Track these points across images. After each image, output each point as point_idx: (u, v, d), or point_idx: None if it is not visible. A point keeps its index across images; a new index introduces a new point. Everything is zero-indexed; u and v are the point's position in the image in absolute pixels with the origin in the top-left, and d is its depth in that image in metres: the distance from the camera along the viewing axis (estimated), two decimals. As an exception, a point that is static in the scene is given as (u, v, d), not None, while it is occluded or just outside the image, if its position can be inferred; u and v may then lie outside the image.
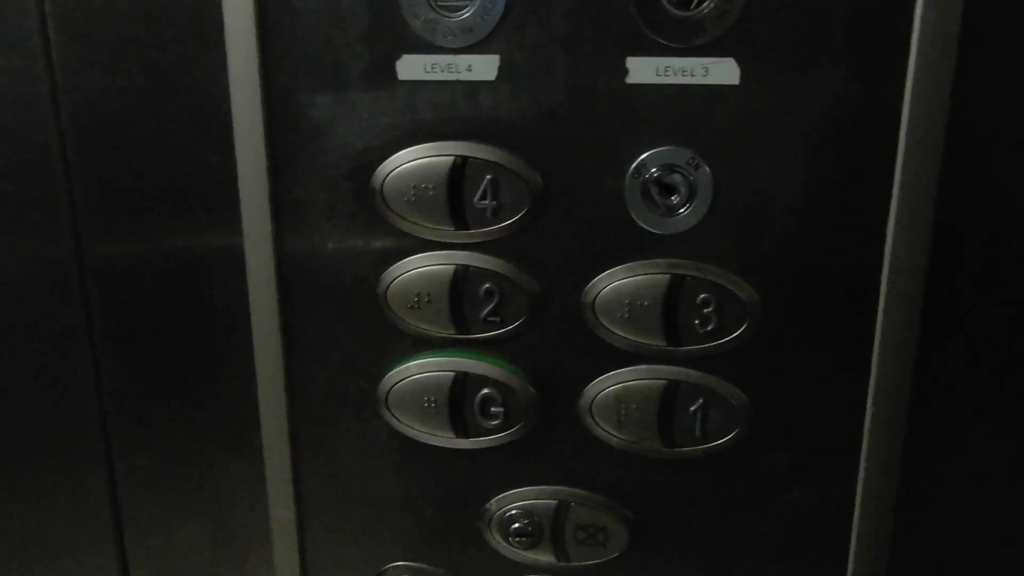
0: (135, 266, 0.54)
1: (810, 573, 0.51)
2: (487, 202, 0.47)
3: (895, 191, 0.44)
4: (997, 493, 0.50)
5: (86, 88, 0.50)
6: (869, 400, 0.47)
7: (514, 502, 0.53)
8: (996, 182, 0.45)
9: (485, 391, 0.50)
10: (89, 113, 0.51)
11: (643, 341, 0.48)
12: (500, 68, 0.46)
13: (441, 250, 0.49)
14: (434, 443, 0.52)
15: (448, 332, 0.50)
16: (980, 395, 0.48)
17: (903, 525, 0.50)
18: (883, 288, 0.46)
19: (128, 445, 0.58)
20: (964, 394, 0.48)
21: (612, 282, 0.48)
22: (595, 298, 0.48)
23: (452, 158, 0.47)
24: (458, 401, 0.51)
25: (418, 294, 0.50)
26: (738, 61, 0.44)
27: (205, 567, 0.60)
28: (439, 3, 0.45)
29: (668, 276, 0.47)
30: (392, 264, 0.50)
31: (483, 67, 0.46)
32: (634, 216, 0.47)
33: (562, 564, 0.53)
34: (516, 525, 0.53)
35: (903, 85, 0.43)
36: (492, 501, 0.53)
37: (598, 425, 0.50)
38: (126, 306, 0.55)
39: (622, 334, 0.48)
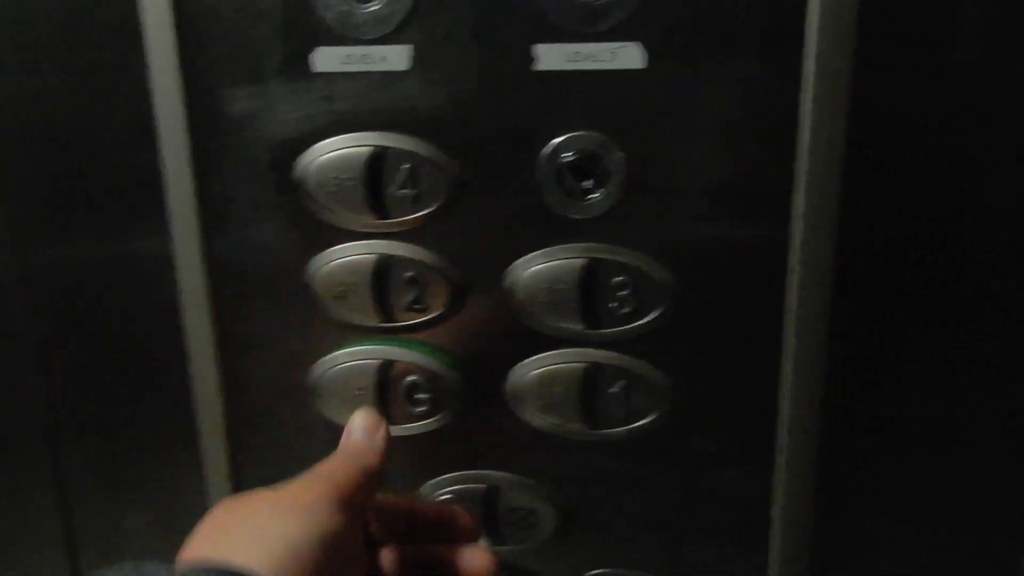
0: (71, 264, 0.55)
1: (735, 551, 0.52)
2: (406, 191, 0.48)
3: (800, 172, 0.45)
4: (916, 470, 0.50)
5: (8, 87, 0.51)
6: (784, 378, 0.48)
7: (445, 487, 0.53)
8: (899, 162, 0.46)
9: (411, 378, 0.51)
10: (12, 114, 0.52)
11: (563, 325, 0.49)
12: (413, 58, 0.46)
13: (364, 240, 0.50)
14: (364, 430, 0.53)
15: (373, 321, 0.51)
16: (895, 372, 0.49)
17: (825, 502, 0.50)
18: (793, 267, 0.46)
19: (73, 439, 0.59)
20: (879, 371, 0.49)
21: (530, 267, 0.48)
22: (515, 284, 0.49)
23: (370, 148, 0.48)
24: (385, 388, 0.51)
25: (343, 284, 0.50)
26: (643, 45, 0.44)
27: (152, 554, 0.61)
28: (349, -5, 0.46)
29: (584, 260, 0.48)
30: (317, 254, 0.51)
31: (396, 57, 0.47)
32: (549, 201, 0.47)
33: (496, 546, 0.54)
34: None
35: (801, 68, 0.43)
36: (424, 486, 0.54)
37: (523, 408, 0.51)
38: (65, 304, 0.56)
39: (542, 318, 0.49)
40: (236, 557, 0.38)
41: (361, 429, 0.48)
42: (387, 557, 0.48)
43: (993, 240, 0.46)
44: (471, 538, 0.49)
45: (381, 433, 0.48)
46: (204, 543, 0.41)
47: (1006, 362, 0.48)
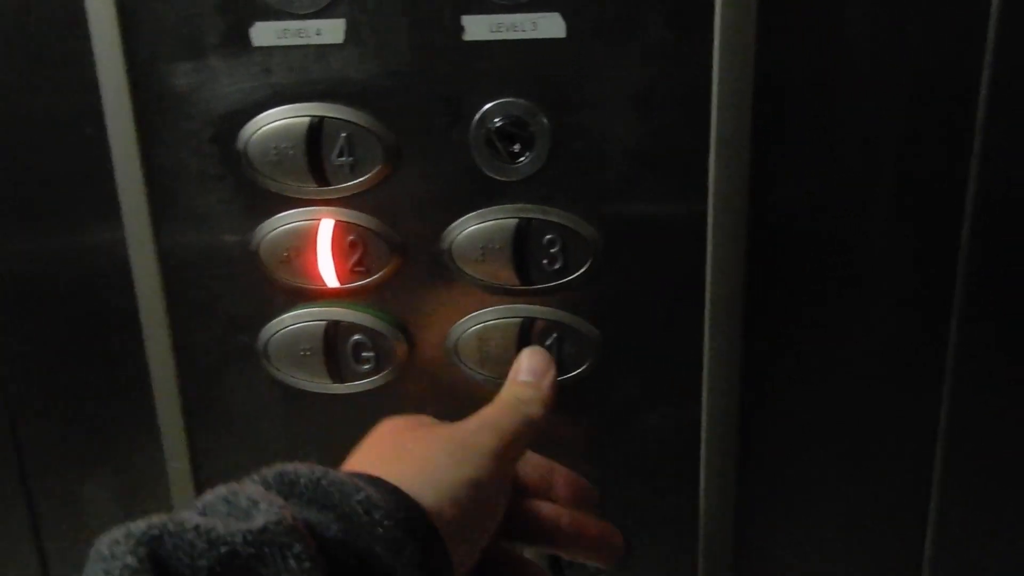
0: (25, 248, 0.56)
1: (667, 492, 0.55)
2: (344, 159, 0.51)
3: (712, 133, 0.48)
4: (837, 406, 0.54)
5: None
6: (706, 325, 0.51)
7: (393, 441, 0.56)
8: (808, 123, 0.49)
9: (356, 338, 0.54)
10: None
11: (498, 282, 0.52)
12: (347, 31, 0.49)
13: (306, 206, 0.52)
14: (313, 389, 0.55)
15: (318, 284, 0.53)
16: (808, 316, 0.53)
17: (749, 441, 0.54)
18: (710, 222, 0.50)
19: (30, 411, 0.61)
20: (795, 316, 0.53)
21: (466, 228, 0.51)
22: (451, 244, 0.52)
23: (309, 119, 0.50)
24: (331, 348, 0.54)
25: (288, 249, 0.53)
26: (563, 15, 0.47)
27: (113, 521, 0.62)
28: (283, -29, 0.48)
29: (516, 220, 0.51)
30: (262, 222, 0.53)
31: (331, 31, 0.49)
32: (481, 165, 0.50)
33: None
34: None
35: (712, 37, 0.47)
36: (373, 442, 0.57)
37: (464, 364, 0.54)
38: (20, 282, 0.57)
39: (478, 276, 0.52)
40: (402, 483, 0.39)
41: (528, 371, 0.50)
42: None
43: (896, 210, 0.50)
44: (594, 509, 0.50)
45: (548, 380, 0.49)
46: (371, 459, 0.42)
47: (908, 313, 0.52)
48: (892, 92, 0.48)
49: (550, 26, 0.47)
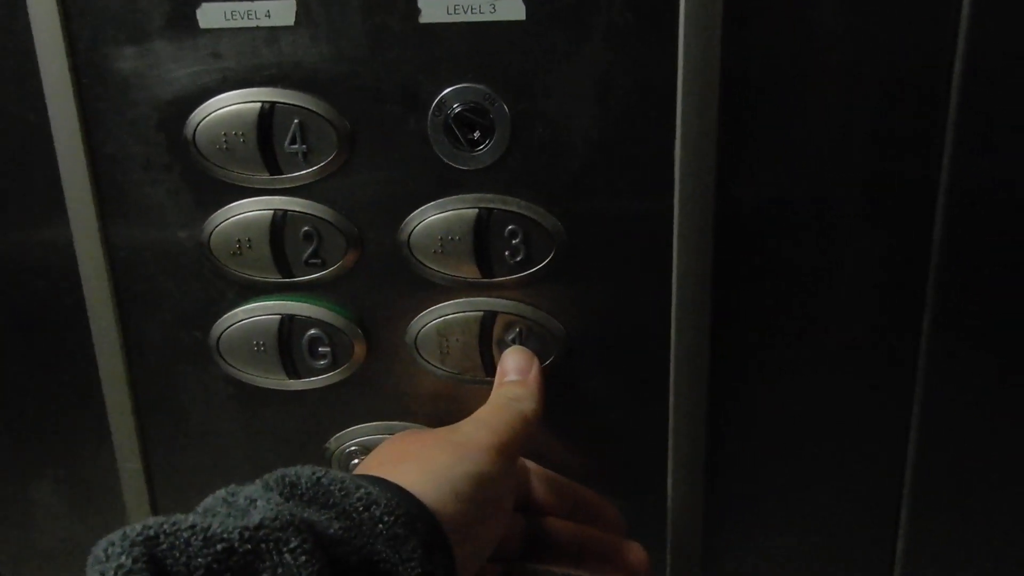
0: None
1: (634, 489, 0.54)
2: (297, 146, 0.49)
3: (678, 123, 0.46)
4: (807, 403, 0.53)
5: None
6: (673, 320, 0.50)
7: (352, 439, 0.54)
8: (777, 114, 0.47)
9: (312, 332, 0.52)
10: None
11: (458, 274, 0.50)
12: (297, 13, 0.47)
13: (258, 196, 0.50)
14: (267, 386, 0.53)
15: (272, 276, 0.51)
16: (777, 313, 0.51)
17: (718, 438, 0.53)
18: (676, 214, 0.48)
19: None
20: (764, 312, 0.51)
21: (424, 219, 0.49)
22: (410, 235, 0.50)
23: (259, 104, 0.48)
24: (286, 344, 0.52)
25: (239, 241, 0.51)
26: (522, -3, 0.46)
27: (63, 524, 0.60)
28: (229, -50, 0.46)
29: (476, 210, 0.49)
30: (212, 213, 0.51)
31: (281, 12, 0.47)
32: (439, 153, 0.48)
33: (403, 496, 0.55)
34: (355, 461, 0.54)
35: (676, 22, 0.45)
36: (331, 439, 0.55)
37: (424, 359, 0.52)
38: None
39: (438, 269, 0.50)
40: (403, 482, 0.40)
41: (515, 370, 0.50)
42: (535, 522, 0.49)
43: (866, 205, 0.48)
44: (617, 529, 0.51)
45: (534, 373, 0.50)
46: (377, 467, 0.42)
47: (878, 310, 0.50)
48: (862, 82, 0.46)
49: (509, 8, 0.45)
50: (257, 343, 0.52)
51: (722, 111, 0.46)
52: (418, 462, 0.42)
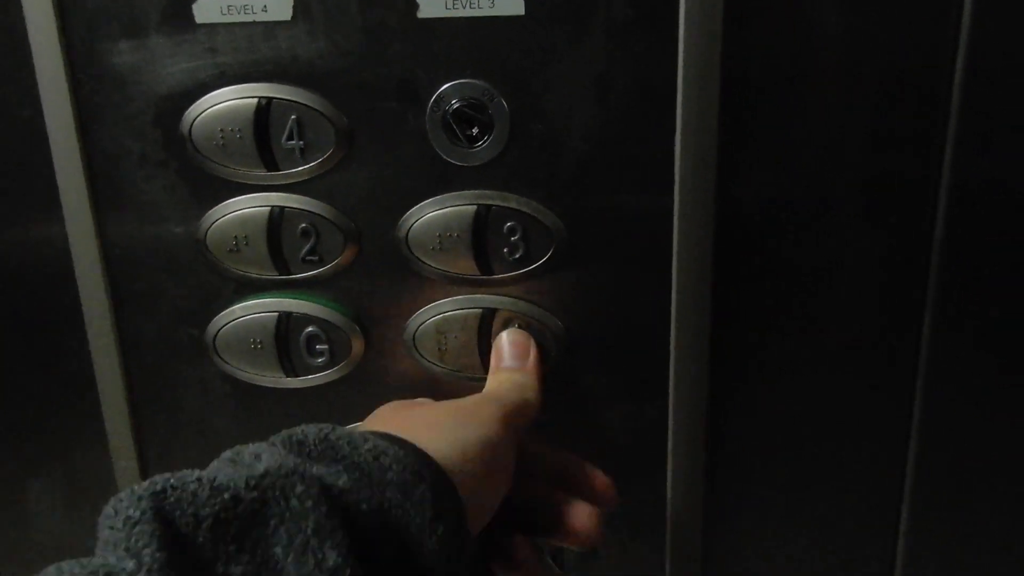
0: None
1: (633, 487, 0.53)
2: (294, 142, 0.48)
3: (678, 120, 0.46)
4: (807, 401, 0.52)
5: None
6: (673, 317, 0.50)
7: (349, 437, 0.54)
8: (777, 112, 0.47)
9: (309, 330, 0.51)
10: None
11: (457, 271, 0.50)
12: (295, 7, 0.46)
13: (255, 192, 0.50)
14: (265, 384, 0.53)
15: (269, 273, 0.51)
16: (777, 309, 0.51)
17: (717, 436, 0.52)
18: (676, 212, 0.48)
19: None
20: (764, 309, 0.51)
21: (423, 215, 0.49)
22: (408, 232, 0.49)
23: (256, 100, 0.48)
24: (284, 341, 0.52)
25: (236, 237, 0.50)
26: (522, -10, 0.45)
27: (59, 522, 0.60)
28: (226, -56, 0.45)
29: (474, 207, 0.48)
30: (208, 209, 0.50)
31: (278, 7, 0.46)
32: (438, 150, 0.48)
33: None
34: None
35: (677, 16, 0.45)
36: (328, 438, 0.54)
37: (422, 356, 0.52)
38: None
39: (436, 266, 0.50)
40: (413, 441, 0.39)
41: (512, 356, 0.50)
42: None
43: (867, 204, 0.48)
44: (605, 501, 0.48)
45: (533, 360, 0.49)
46: (382, 427, 0.41)
47: (879, 308, 0.50)
48: (863, 81, 0.46)
49: (508, 2, 0.45)
50: (254, 341, 0.52)
51: (722, 109, 0.46)
52: (425, 425, 0.42)
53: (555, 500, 0.47)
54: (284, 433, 0.39)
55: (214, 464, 0.37)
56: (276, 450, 0.37)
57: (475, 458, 0.41)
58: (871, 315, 0.50)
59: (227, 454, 0.38)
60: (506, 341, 0.50)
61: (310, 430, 0.38)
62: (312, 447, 0.37)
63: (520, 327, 0.50)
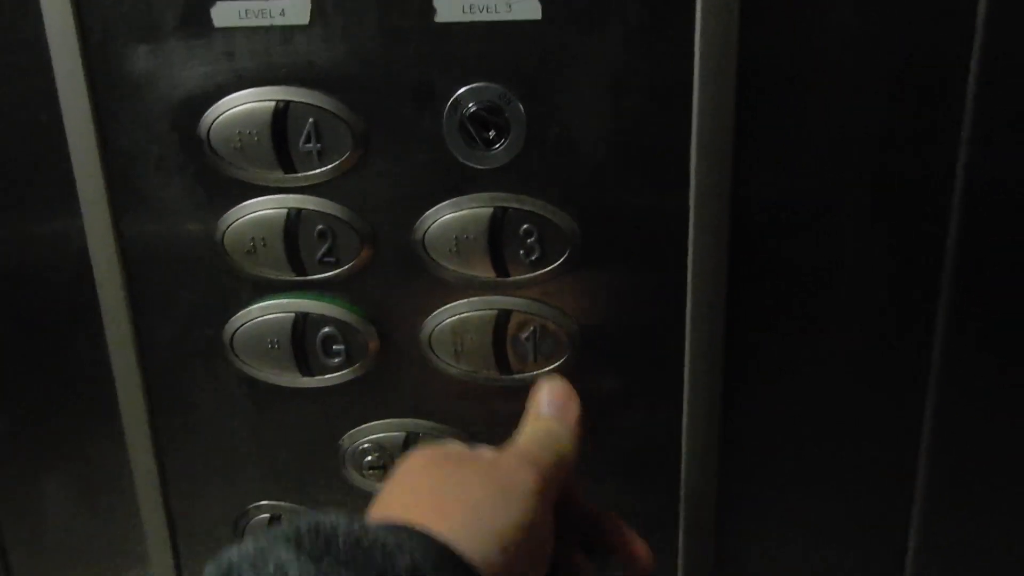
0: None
1: (647, 489, 0.54)
2: (311, 145, 0.49)
3: (694, 122, 0.46)
4: (821, 403, 0.53)
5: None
6: (687, 319, 0.50)
7: (364, 437, 0.54)
8: (793, 114, 0.47)
9: (326, 330, 0.52)
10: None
11: (473, 273, 0.50)
12: (312, 12, 0.47)
13: (272, 194, 0.50)
14: (281, 384, 0.53)
15: (286, 275, 0.51)
16: (792, 312, 0.51)
17: (731, 438, 0.53)
18: (692, 214, 0.48)
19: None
20: (778, 311, 0.51)
21: (439, 218, 0.49)
22: (424, 234, 0.50)
23: (273, 103, 0.48)
24: (300, 341, 0.52)
25: (253, 239, 0.51)
26: (538, -3, 0.45)
27: (75, 522, 0.61)
28: (244, -52, 0.46)
29: (491, 209, 0.49)
30: (226, 211, 0.51)
31: (296, 11, 0.47)
32: (454, 153, 0.48)
33: (416, 493, 0.55)
34: (368, 458, 0.55)
35: (693, 20, 0.45)
36: (344, 437, 0.55)
37: (438, 357, 0.52)
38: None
39: (452, 268, 0.50)
40: (449, 534, 0.36)
41: (552, 405, 0.47)
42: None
43: (882, 205, 0.48)
44: (644, 570, 0.47)
45: (575, 416, 0.46)
46: (410, 502, 0.39)
47: (893, 310, 0.50)
48: (880, 79, 0.46)
49: (525, 7, 0.45)
50: (271, 341, 0.52)
51: (738, 109, 0.46)
52: (463, 510, 0.39)
53: (587, 572, 0.45)
54: (311, 521, 0.35)
55: (233, 558, 0.34)
56: (303, 562, 0.33)
57: (515, 550, 0.38)
58: (886, 314, 0.51)
59: (249, 551, 0.34)
60: (546, 388, 0.48)
61: (341, 525, 0.35)
62: (341, 549, 0.34)
63: (536, 329, 0.51)
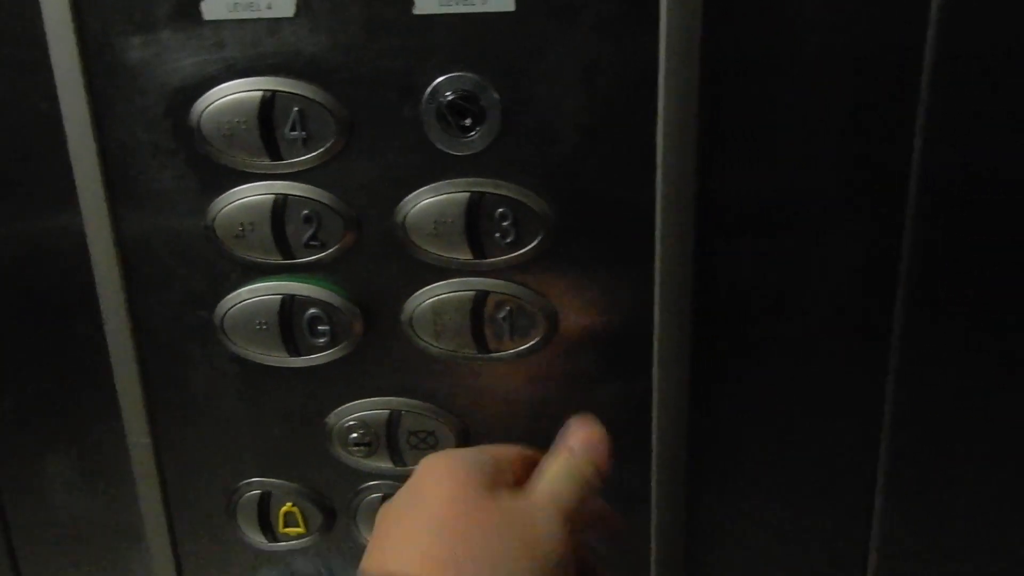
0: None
1: (618, 466, 0.56)
2: (297, 133, 0.51)
3: (660, 111, 0.48)
4: (786, 382, 0.55)
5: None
6: (656, 299, 0.52)
7: (350, 414, 0.57)
8: (755, 102, 0.49)
9: (312, 311, 0.54)
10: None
11: (451, 255, 0.52)
12: (298, 5, 0.49)
13: (260, 181, 0.52)
14: (270, 363, 0.56)
15: (274, 258, 0.54)
16: (760, 290, 0.53)
17: (700, 415, 0.55)
18: (658, 198, 0.50)
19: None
20: (744, 292, 0.53)
21: (419, 202, 0.52)
22: (405, 218, 0.52)
23: (261, 93, 0.50)
24: (287, 322, 0.54)
25: (242, 224, 0.53)
26: (512, -11, 0.48)
27: (76, 497, 0.63)
28: (232, -55, 0.48)
29: (468, 194, 0.51)
30: (216, 197, 0.53)
31: (282, 4, 0.49)
32: (433, 140, 0.50)
33: (399, 469, 0.57)
34: (354, 435, 0.57)
35: (658, 11, 0.47)
36: (330, 415, 0.57)
37: (419, 337, 0.54)
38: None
39: (432, 250, 0.52)
40: None
41: (581, 443, 0.46)
42: None
43: (845, 192, 0.50)
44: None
45: (604, 458, 0.45)
46: (436, 551, 0.38)
47: (856, 295, 0.52)
48: (844, 71, 0.48)
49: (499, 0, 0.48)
50: (260, 322, 0.54)
51: (703, 99, 0.48)
52: (492, 564, 0.38)
53: None
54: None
55: None
56: None
57: None
58: (850, 298, 0.53)
59: None
60: (580, 426, 0.47)
61: None
62: None
63: (512, 310, 0.53)
